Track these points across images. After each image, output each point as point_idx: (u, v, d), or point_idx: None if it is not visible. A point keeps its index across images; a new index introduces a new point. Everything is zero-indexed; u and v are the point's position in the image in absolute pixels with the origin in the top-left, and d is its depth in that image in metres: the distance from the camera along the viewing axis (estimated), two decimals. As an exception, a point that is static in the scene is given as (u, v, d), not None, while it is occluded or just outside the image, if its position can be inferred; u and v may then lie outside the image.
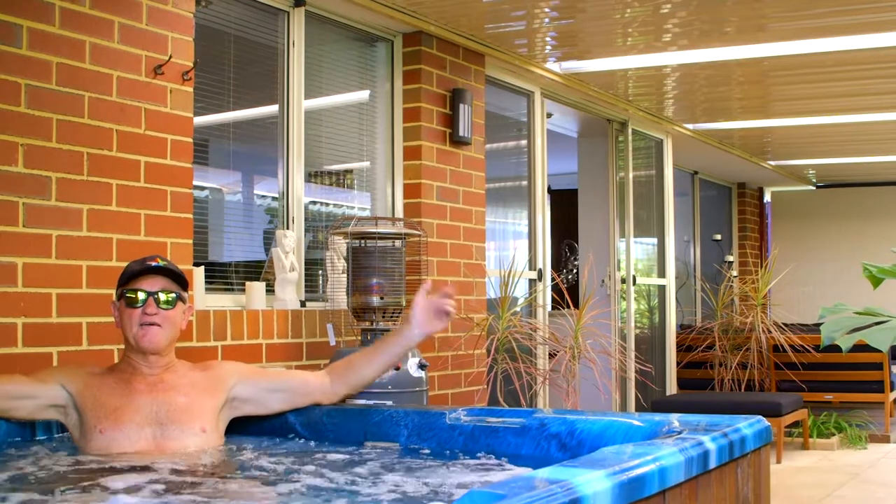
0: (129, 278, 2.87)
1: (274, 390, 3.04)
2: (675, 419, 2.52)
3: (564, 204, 9.73)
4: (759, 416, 2.53)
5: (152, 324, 2.84)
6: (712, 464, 2.14)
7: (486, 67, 5.95)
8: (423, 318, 2.97)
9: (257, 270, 4.82)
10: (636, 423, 2.57)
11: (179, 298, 2.91)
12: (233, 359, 4.04)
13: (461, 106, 5.58)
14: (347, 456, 2.76)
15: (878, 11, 5.30)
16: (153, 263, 2.88)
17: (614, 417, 2.67)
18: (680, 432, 2.28)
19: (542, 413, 2.80)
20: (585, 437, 2.60)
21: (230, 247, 4.93)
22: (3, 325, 3.33)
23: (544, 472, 1.73)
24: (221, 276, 4.67)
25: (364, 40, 5.44)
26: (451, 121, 5.59)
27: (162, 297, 2.86)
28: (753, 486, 2.41)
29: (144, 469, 2.53)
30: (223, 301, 4.43)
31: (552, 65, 6.42)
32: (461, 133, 5.59)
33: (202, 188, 4.60)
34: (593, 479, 1.69)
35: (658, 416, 2.59)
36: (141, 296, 2.85)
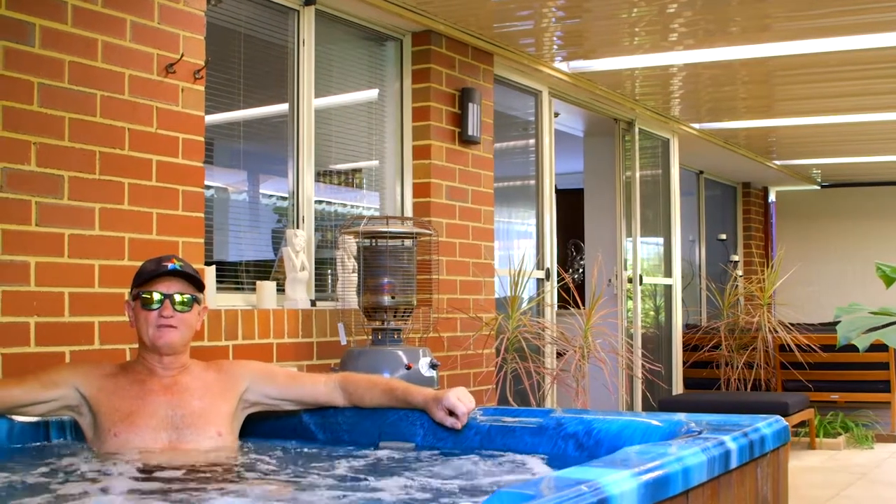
0: (145, 279, 2.85)
1: (282, 399, 3.03)
2: (691, 419, 2.52)
3: (570, 203, 9.71)
4: (778, 416, 2.52)
5: (169, 326, 2.83)
6: (733, 464, 2.13)
7: (495, 67, 5.94)
8: (441, 412, 2.84)
9: (267, 270, 4.81)
10: (654, 423, 2.56)
11: (195, 300, 2.89)
12: (244, 359, 4.03)
13: (470, 105, 5.57)
14: (363, 456, 2.75)
15: (882, 11, 5.30)
16: (169, 265, 2.85)
17: (632, 417, 2.67)
18: (699, 432, 2.27)
19: (558, 413, 2.79)
20: (603, 437, 2.60)
21: (240, 246, 4.92)
22: (15, 325, 3.33)
23: (570, 472, 1.73)
24: (232, 275, 4.66)
25: (373, 39, 5.43)
26: (460, 120, 5.58)
27: (178, 298, 2.84)
28: (772, 485, 2.41)
29: (159, 470, 2.52)
30: (234, 300, 4.42)
31: (559, 64, 6.41)
32: (470, 132, 5.58)
33: (211, 187, 4.59)
34: (620, 479, 1.69)
35: (676, 417, 2.58)
36: (157, 297, 2.83)
